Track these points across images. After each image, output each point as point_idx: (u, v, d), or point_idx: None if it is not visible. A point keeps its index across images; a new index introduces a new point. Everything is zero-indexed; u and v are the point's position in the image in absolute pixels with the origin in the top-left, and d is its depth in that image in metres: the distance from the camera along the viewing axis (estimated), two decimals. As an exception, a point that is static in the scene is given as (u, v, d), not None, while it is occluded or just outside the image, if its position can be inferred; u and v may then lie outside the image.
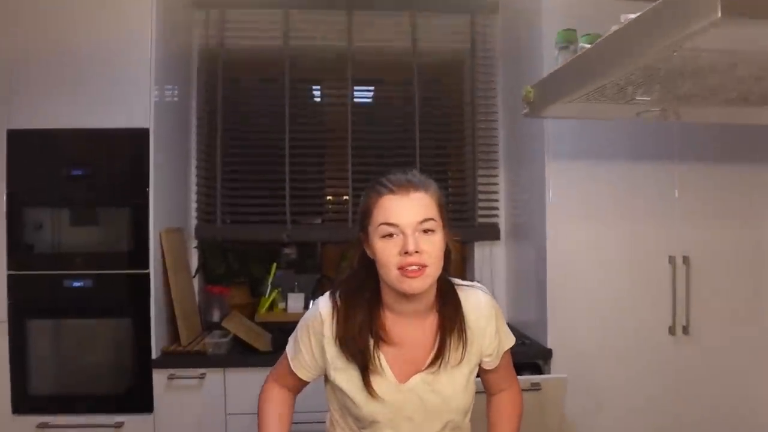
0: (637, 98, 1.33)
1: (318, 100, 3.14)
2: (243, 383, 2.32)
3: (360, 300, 1.26)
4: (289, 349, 1.37)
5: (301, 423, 2.28)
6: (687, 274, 2.45)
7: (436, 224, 1.19)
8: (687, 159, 2.47)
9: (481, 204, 3.02)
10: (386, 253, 1.17)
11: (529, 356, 2.44)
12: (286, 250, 3.10)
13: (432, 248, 1.17)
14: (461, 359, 1.28)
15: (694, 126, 2.44)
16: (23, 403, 2.27)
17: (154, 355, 2.30)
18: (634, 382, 2.45)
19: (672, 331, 2.45)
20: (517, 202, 2.87)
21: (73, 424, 2.26)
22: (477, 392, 1.41)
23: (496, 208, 3.03)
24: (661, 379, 2.46)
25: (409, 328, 1.27)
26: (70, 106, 2.29)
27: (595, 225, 2.45)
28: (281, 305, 2.89)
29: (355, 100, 3.03)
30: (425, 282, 1.18)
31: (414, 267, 1.16)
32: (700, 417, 2.48)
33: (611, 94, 1.29)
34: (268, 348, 2.41)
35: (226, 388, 2.32)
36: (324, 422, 1.47)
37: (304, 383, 1.38)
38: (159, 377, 2.29)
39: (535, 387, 2.21)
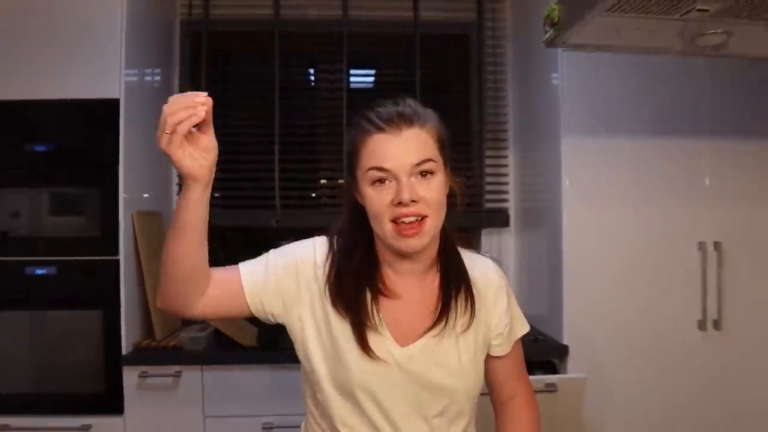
0: (698, 8, 1.06)
1: (312, 78, 2.93)
2: (223, 383, 2.12)
3: (352, 255, 1.08)
4: (246, 264, 1.12)
5: (285, 427, 2.08)
6: (719, 262, 2.23)
7: (436, 165, 1.02)
8: (719, 134, 2.25)
9: (488, 188, 2.82)
10: (377, 202, 1.00)
11: (542, 353, 2.23)
12: (284, 243, 2.88)
13: (431, 194, 1.00)
14: (468, 325, 1.10)
15: (727, 97, 2.24)
16: (-19, 403, 2.07)
17: (124, 351, 2.09)
18: (660, 382, 2.23)
19: (702, 325, 2.23)
20: (529, 185, 2.67)
21: (36, 426, 2.05)
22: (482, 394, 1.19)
23: (506, 192, 2.83)
24: (690, 378, 2.24)
25: (409, 285, 1.11)
26: (30, 76, 2.08)
27: (616, 208, 2.23)
28: (270, 297, 2.66)
29: (352, 78, 2.85)
30: (424, 239, 1.02)
31: (411, 219, 0.99)
32: (733, 421, 2.26)
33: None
34: (252, 343, 2.19)
35: (204, 388, 2.11)
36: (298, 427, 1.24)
37: (229, 301, 1.07)
38: (130, 375, 2.08)
39: (551, 388, 2.00)
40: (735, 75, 2.24)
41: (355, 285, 1.06)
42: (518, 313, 1.21)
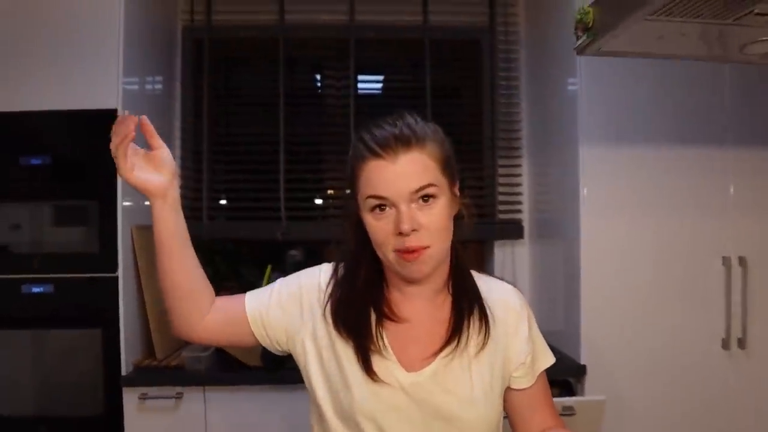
0: (756, 11, 0.94)
1: (318, 85, 2.84)
2: (226, 404, 2.04)
3: (357, 277, 1.06)
4: (252, 292, 1.13)
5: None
6: (744, 278, 2.13)
7: (437, 189, 0.97)
8: (744, 141, 2.16)
9: (501, 198, 2.73)
10: (379, 232, 0.98)
11: (559, 373, 2.13)
12: (292, 252, 2.80)
13: (432, 221, 0.96)
14: (483, 346, 1.05)
15: (753, 103, 2.16)
16: (-25, 426, 2.02)
17: (124, 371, 2.02)
18: (682, 403, 2.14)
19: (726, 344, 2.14)
20: (544, 195, 2.58)
21: (34, 451, 1.99)
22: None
23: (519, 203, 2.75)
24: (713, 400, 2.15)
25: (418, 308, 1.07)
26: (25, 86, 2.02)
27: (636, 220, 2.14)
28: (276, 312, 2.59)
29: (359, 84, 2.77)
30: (427, 266, 0.99)
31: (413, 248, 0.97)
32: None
33: None
34: (257, 363, 2.11)
35: (206, 410, 2.03)
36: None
37: (233, 327, 1.09)
38: (130, 397, 2.01)
39: (568, 411, 1.91)
40: (761, 79, 2.15)
41: (358, 307, 1.03)
42: (542, 342, 1.14)
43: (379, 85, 2.89)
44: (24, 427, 2.02)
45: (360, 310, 1.03)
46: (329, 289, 1.06)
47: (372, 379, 0.99)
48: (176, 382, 2.03)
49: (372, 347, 1.01)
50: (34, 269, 2.02)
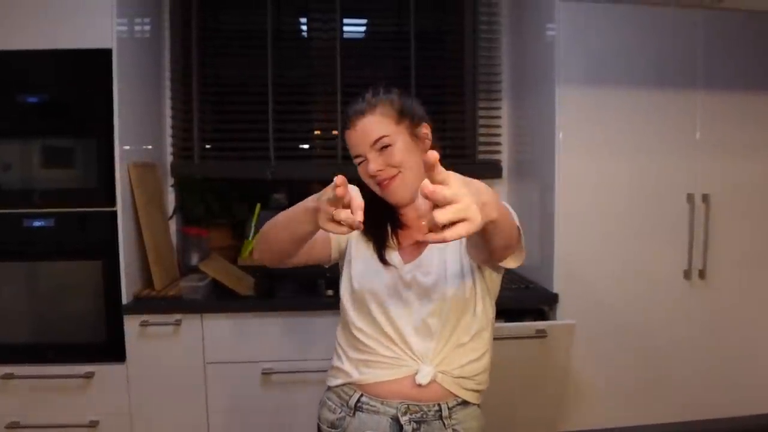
0: None
1: (304, 28, 2.87)
2: (222, 330, 2.16)
3: (378, 202, 1.33)
4: None
5: (284, 372, 2.15)
6: (706, 214, 2.29)
7: (390, 138, 1.25)
8: (712, 87, 2.27)
9: (481, 139, 2.82)
10: (363, 175, 1.29)
11: (532, 301, 2.29)
12: (276, 195, 2.89)
13: (393, 158, 1.24)
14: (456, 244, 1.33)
15: (722, 51, 2.26)
16: (-15, 352, 2.11)
17: (125, 300, 2.12)
18: (646, 329, 2.31)
19: (687, 275, 2.30)
20: (522, 137, 2.67)
21: (40, 374, 2.10)
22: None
23: (499, 144, 2.84)
24: (675, 326, 2.33)
25: (414, 218, 1.34)
26: (21, 26, 2.04)
27: (608, 160, 2.26)
28: (266, 248, 2.68)
29: (345, 29, 2.80)
30: (399, 189, 1.27)
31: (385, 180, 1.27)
32: (715, 367, 2.35)
33: None
34: (249, 292, 2.23)
35: (204, 335, 2.15)
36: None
37: (318, 248, 1.34)
38: (131, 324, 2.12)
39: (541, 334, 2.07)
40: (730, 29, 2.25)
41: (378, 221, 1.33)
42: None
43: (364, 29, 2.91)
44: (31, 352, 2.11)
45: (379, 223, 1.33)
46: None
47: (384, 264, 1.30)
48: (175, 309, 2.13)
49: (388, 245, 1.32)
50: (34, 204, 2.08)
